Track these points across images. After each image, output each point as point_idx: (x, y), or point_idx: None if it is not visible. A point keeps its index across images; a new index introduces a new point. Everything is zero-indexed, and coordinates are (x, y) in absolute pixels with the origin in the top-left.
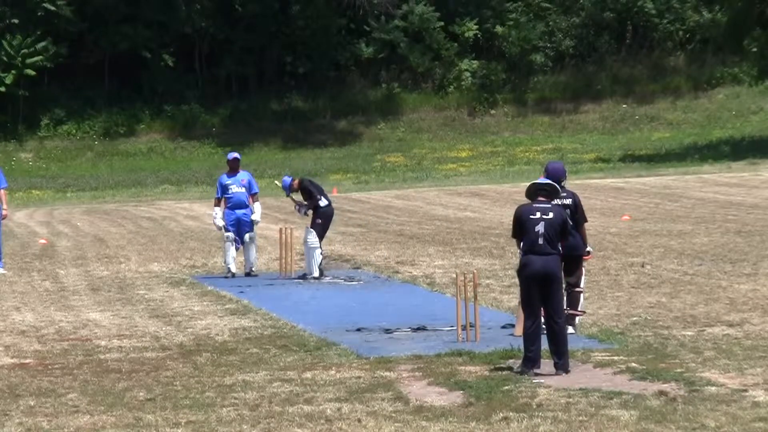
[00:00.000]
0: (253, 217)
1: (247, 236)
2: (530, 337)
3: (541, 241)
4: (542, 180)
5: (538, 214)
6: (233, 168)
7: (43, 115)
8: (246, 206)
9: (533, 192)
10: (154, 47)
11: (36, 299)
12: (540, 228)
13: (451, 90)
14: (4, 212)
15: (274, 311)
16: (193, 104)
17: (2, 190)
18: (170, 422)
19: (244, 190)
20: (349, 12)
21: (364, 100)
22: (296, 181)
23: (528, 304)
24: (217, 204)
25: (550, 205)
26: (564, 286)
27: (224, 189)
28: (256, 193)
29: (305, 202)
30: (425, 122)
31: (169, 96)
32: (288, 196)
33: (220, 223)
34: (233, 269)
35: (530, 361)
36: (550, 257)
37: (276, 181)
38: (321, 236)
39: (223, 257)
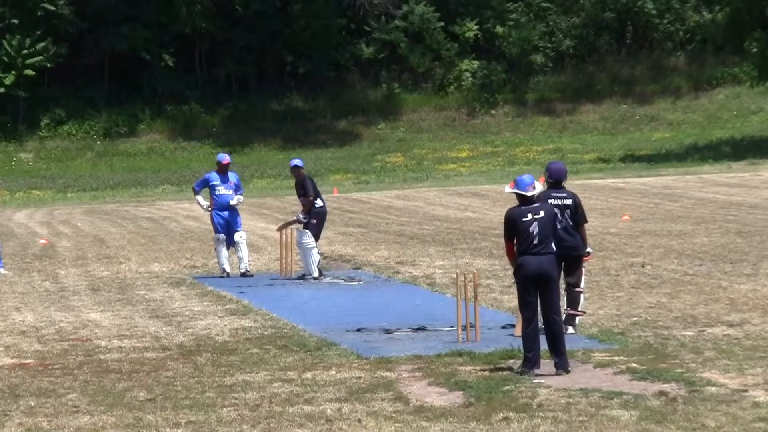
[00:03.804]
0: (232, 201)
1: (237, 236)
2: (529, 338)
3: (535, 241)
4: (525, 180)
5: (530, 215)
6: (223, 171)
7: (44, 115)
8: (233, 207)
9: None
10: (154, 47)
11: (36, 299)
12: (534, 228)
13: (451, 90)
14: None
15: (274, 311)
16: (193, 104)
17: None
18: (170, 422)
19: (231, 192)
20: (350, 12)
21: (364, 100)
22: (300, 170)
23: (525, 304)
24: (195, 194)
25: (538, 204)
26: (564, 286)
27: (210, 188)
28: (242, 193)
29: (300, 215)
30: (425, 122)
31: (169, 96)
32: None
33: (204, 203)
34: (228, 269)
35: (530, 361)
36: (545, 257)
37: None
38: (316, 237)
39: (216, 258)
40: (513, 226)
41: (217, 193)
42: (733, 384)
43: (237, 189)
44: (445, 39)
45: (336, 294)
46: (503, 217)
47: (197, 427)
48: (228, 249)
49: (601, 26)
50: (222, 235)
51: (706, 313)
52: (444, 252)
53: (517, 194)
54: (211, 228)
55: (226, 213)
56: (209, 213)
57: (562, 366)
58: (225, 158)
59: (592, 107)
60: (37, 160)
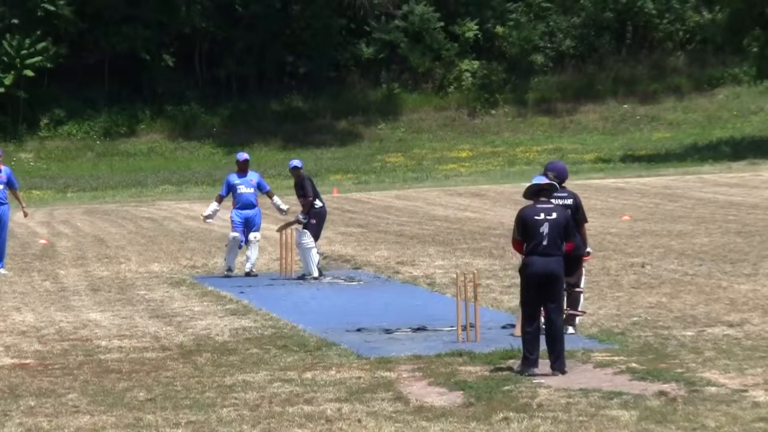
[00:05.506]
0: (282, 206)
1: (251, 236)
2: (529, 338)
3: (545, 242)
4: (541, 180)
5: (542, 215)
6: (243, 169)
7: (43, 115)
8: (254, 206)
9: (534, 193)
10: (154, 47)
11: (36, 299)
12: (545, 229)
13: (451, 90)
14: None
15: (274, 311)
16: (193, 104)
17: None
18: (170, 422)
19: (252, 190)
20: (350, 12)
21: (364, 100)
22: (299, 170)
23: (527, 305)
24: (218, 201)
25: (552, 206)
26: (564, 286)
27: (232, 188)
28: (269, 191)
29: (300, 216)
30: (425, 122)
31: (169, 96)
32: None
33: (208, 212)
34: (234, 268)
35: (530, 362)
36: (552, 258)
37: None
38: (315, 237)
39: (225, 255)
40: (524, 225)
41: (238, 191)
42: (733, 384)
43: (261, 187)
44: (445, 39)
45: (336, 294)
46: (515, 218)
47: (197, 427)
48: (240, 248)
49: (601, 26)
50: (237, 234)
51: (706, 313)
52: (444, 252)
53: (533, 190)
54: (212, 228)
55: (246, 212)
56: (204, 220)
57: (558, 367)
58: (242, 156)
59: (593, 107)
60: (37, 160)
